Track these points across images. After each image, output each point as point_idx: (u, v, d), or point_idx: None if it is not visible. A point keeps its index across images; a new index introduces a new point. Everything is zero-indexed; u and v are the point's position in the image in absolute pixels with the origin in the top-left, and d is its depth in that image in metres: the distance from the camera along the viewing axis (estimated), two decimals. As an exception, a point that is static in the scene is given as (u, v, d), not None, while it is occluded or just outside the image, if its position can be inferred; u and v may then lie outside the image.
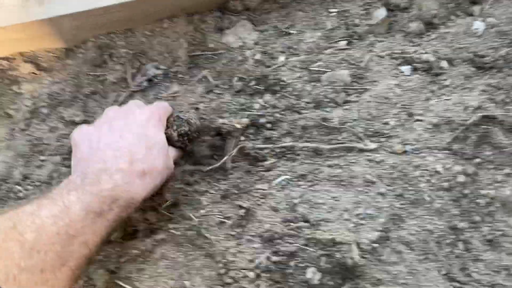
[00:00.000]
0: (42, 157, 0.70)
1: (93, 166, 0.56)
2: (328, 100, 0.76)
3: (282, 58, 0.81)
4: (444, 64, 0.82)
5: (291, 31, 0.83)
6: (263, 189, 0.66)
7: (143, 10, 0.79)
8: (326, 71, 0.78)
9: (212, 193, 0.66)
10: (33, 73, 0.79)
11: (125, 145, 0.58)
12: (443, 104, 0.76)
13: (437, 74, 0.81)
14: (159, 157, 0.60)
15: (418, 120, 0.73)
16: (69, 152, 0.71)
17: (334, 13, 0.84)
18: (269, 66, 0.81)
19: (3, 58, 0.79)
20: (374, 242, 0.60)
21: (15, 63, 0.79)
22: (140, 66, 0.82)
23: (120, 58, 0.81)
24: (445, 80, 0.81)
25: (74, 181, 0.55)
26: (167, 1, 0.79)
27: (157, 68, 0.81)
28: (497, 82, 0.82)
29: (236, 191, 0.66)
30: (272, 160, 0.71)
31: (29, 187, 0.67)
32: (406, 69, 0.82)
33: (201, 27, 0.84)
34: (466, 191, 0.66)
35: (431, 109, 0.75)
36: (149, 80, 0.81)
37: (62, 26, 0.76)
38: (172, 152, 0.66)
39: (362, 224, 0.62)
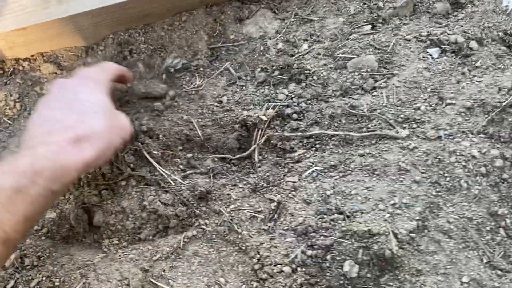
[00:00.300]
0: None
1: (25, 141, 0.54)
2: (355, 87, 0.74)
3: (305, 46, 0.79)
4: (474, 44, 0.79)
5: (313, 18, 0.81)
6: (294, 181, 0.64)
7: (160, 4, 0.78)
8: (352, 57, 0.75)
9: (241, 187, 0.65)
10: (55, 72, 0.78)
11: (54, 116, 0.55)
12: (475, 86, 0.73)
13: (466, 56, 0.78)
14: (97, 119, 0.56)
15: (450, 104, 0.71)
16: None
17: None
18: (292, 55, 0.79)
19: (24, 60, 0.78)
20: (411, 231, 0.58)
21: (36, 64, 0.78)
22: (161, 60, 0.80)
23: (140, 54, 0.80)
24: (475, 61, 0.78)
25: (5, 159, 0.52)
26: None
27: (178, 62, 0.80)
28: (530, 60, 0.79)
29: (265, 184, 0.65)
30: (301, 151, 0.69)
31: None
32: (434, 51, 0.79)
33: (220, 18, 0.82)
34: (505, 176, 0.64)
35: (463, 92, 0.72)
36: (169, 73, 0.79)
37: (81, 24, 0.75)
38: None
39: (398, 214, 0.60)
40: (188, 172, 0.68)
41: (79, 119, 0.55)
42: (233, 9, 0.83)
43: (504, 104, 0.69)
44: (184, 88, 0.79)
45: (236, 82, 0.79)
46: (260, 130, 0.71)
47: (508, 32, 0.83)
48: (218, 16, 0.82)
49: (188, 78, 0.80)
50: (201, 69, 0.81)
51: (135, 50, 0.80)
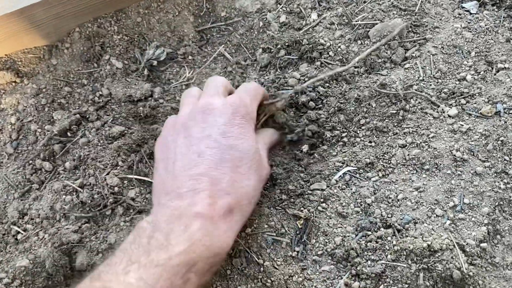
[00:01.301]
0: (40, 187, 0.56)
1: (165, 206, 0.43)
2: (382, 60, 0.60)
3: (314, 16, 0.65)
4: (519, -7, 0.65)
5: (320, -20, 0.66)
6: (322, 189, 0.50)
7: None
8: (374, 24, 0.61)
9: (257, 204, 0.52)
10: (13, 81, 0.64)
11: (204, 170, 0.44)
12: (531, 43, 0.59)
13: (511, 7, 0.64)
14: (249, 175, 0.45)
15: (502, 68, 0.57)
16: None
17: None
18: (299, 29, 0.65)
19: (-25, 68, 0.65)
20: (481, 241, 0.45)
21: (-11, 73, 0.64)
22: (140, 52, 0.66)
23: (114, 48, 0.65)
24: (524, 12, 0.63)
25: (143, 233, 0.41)
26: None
27: (161, 52, 0.66)
28: None
29: (286, 197, 0.51)
30: (325, 147, 0.55)
31: (28, 226, 0.54)
32: (471, 5, 0.64)
33: (206, -7, 0.68)
34: None
35: (517, 52, 0.58)
36: (152, 66, 0.65)
37: (38, 18, 0.61)
38: (266, 145, 0.52)
39: (461, 219, 0.46)
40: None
41: (231, 178, 0.44)
42: (219, -21, 0.68)
43: None
44: (172, 83, 0.65)
45: (234, 69, 0.65)
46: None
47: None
48: (204, -9, 0.68)
49: (175, 70, 0.66)
50: (190, 57, 0.67)
51: (108, 44, 0.66)
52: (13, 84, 0.65)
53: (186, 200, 0.42)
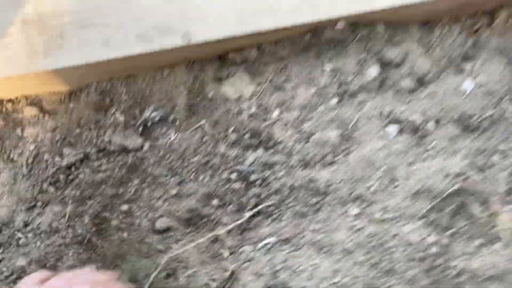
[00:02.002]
0: (43, 205, 0.74)
1: None
2: (316, 160, 0.80)
3: (275, 114, 0.85)
4: (431, 125, 0.86)
5: (286, 86, 0.87)
6: (249, 251, 0.70)
7: (144, 61, 0.82)
8: (316, 132, 0.82)
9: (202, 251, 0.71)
10: (37, 116, 0.82)
11: None
12: (425, 170, 0.80)
13: (423, 136, 0.85)
14: None
15: (399, 185, 0.78)
16: (73, 200, 0.76)
17: (328, 70, 0.87)
18: (264, 120, 0.84)
19: (8, 101, 0.82)
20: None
21: (19, 106, 0.82)
22: (140, 110, 0.85)
23: (120, 104, 0.84)
24: (430, 142, 0.85)
25: None
26: (171, 53, 0.82)
27: (156, 115, 0.85)
28: (481, 144, 0.87)
29: (226, 252, 0.71)
30: (259, 218, 0.75)
31: (29, 235, 0.72)
32: (393, 129, 0.85)
33: (201, 76, 0.87)
34: (438, 262, 0.71)
35: (413, 174, 0.79)
36: (146, 125, 0.84)
37: (66, 75, 0.80)
38: None
39: (338, 294, 0.67)
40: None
41: None
42: (213, 68, 0.88)
43: (447, 193, 0.76)
44: (159, 141, 0.84)
45: (209, 139, 0.84)
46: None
47: (465, 113, 0.90)
48: (199, 74, 0.87)
49: (164, 130, 0.85)
50: (177, 123, 0.86)
51: (116, 100, 0.85)
52: (37, 118, 0.82)
53: None
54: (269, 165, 0.79)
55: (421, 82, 0.94)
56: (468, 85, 0.95)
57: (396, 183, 0.78)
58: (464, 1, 0.95)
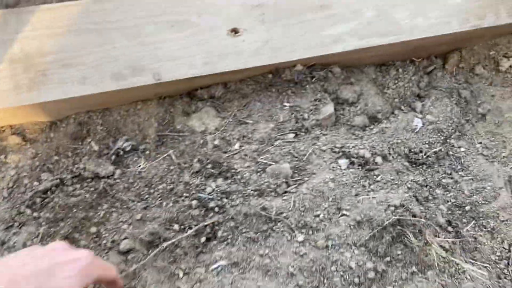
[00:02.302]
0: (19, 225, 0.82)
1: None
2: (270, 190, 0.88)
3: (237, 146, 0.93)
4: (379, 159, 0.94)
5: (248, 121, 0.95)
6: (201, 273, 0.78)
7: (119, 96, 0.91)
8: (271, 164, 0.90)
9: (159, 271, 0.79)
10: (20, 144, 0.91)
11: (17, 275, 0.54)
12: (368, 202, 0.88)
13: (370, 170, 0.93)
14: None
15: (344, 215, 0.86)
16: (47, 222, 0.84)
17: (287, 107, 0.96)
18: (225, 152, 0.93)
19: (-6, 130, 0.91)
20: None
21: (4, 135, 0.91)
22: (113, 141, 0.94)
23: (96, 135, 0.93)
24: (377, 175, 0.93)
25: None
26: (143, 89, 0.91)
27: (128, 145, 0.93)
28: (424, 178, 0.95)
29: (178, 272, 0.78)
30: (215, 242, 0.83)
31: (5, 252, 0.80)
32: (343, 163, 0.94)
33: (170, 110, 0.96)
34: (374, 287, 0.79)
35: (358, 205, 0.87)
36: (118, 154, 0.92)
37: (48, 108, 0.88)
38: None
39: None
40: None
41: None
42: (182, 103, 0.97)
43: (386, 223, 0.84)
44: (130, 168, 0.92)
45: (175, 168, 0.92)
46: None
47: (413, 149, 0.99)
48: (169, 108, 0.96)
49: (135, 159, 0.93)
50: (147, 152, 0.94)
51: (92, 131, 0.93)
52: (19, 145, 0.91)
53: None
54: (227, 194, 0.87)
55: (374, 119, 1.02)
56: (418, 122, 1.04)
57: (342, 213, 0.86)
58: (418, 44, 1.04)
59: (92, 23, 0.92)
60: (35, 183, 0.87)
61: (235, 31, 0.96)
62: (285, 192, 0.88)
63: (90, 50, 0.90)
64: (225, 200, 0.87)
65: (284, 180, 0.89)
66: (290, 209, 0.85)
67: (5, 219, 0.84)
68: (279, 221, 0.84)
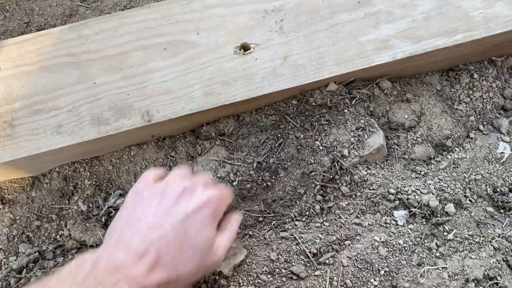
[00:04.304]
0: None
1: (111, 250, 0.50)
2: (299, 261, 0.66)
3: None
4: (451, 207, 0.68)
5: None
6: None
7: (105, 143, 0.73)
8: (298, 225, 0.67)
9: None
10: (-4, 207, 0.76)
11: (157, 239, 0.51)
12: (436, 275, 0.62)
13: (439, 224, 0.67)
14: (191, 261, 0.52)
15: (402, 296, 0.61)
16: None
17: (320, 147, 0.72)
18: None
19: (-32, 191, 0.77)
20: None
21: (-21, 197, 0.77)
22: (103, 198, 0.76)
23: (84, 190, 0.76)
24: (448, 231, 0.67)
25: (83, 268, 0.49)
26: (133, 133, 0.72)
27: (122, 201, 0.75)
28: (519, 231, 0.67)
29: None
30: None
31: None
32: (400, 216, 0.69)
33: (171, 154, 0.77)
34: None
35: (420, 281, 0.62)
36: (110, 214, 0.75)
37: (21, 165, 0.72)
38: (222, 242, 0.57)
39: None
40: None
41: (175, 258, 0.51)
42: (185, 144, 0.77)
43: (464, 311, 0.59)
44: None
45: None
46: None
47: (499, 188, 0.71)
48: (169, 151, 0.77)
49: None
50: (147, 209, 0.76)
51: (79, 186, 0.76)
52: (-4, 209, 0.76)
53: (129, 258, 0.49)
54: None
55: (441, 148, 0.76)
56: (505, 147, 0.76)
57: (398, 293, 0.61)
58: (498, 41, 0.76)
59: (68, 55, 0.75)
60: (11, 257, 0.72)
61: (244, 47, 0.74)
62: (319, 263, 0.65)
63: (66, 90, 0.73)
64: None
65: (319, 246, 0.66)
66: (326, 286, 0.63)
67: (-24, 307, 0.69)
68: (309, 308, 0.62)
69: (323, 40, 0.73)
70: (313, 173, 0.71)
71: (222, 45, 0.74)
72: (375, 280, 0.63)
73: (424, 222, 0.68)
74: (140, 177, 0.61)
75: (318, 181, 0.70)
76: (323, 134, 0.73)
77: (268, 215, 0.70)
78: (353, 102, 0.75)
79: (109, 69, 0.73)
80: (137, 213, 0.55)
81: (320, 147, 0.72)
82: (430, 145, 0.75)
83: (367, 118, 0.74)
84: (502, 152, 0.75)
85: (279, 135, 0.74)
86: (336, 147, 0.72)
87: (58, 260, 0.71)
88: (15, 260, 0.71)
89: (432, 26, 0.73)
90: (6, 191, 0.77)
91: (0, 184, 0.77)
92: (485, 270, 0.62)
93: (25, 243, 0.73)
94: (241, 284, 0.64)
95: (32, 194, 0.77)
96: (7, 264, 0.72)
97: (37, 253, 0.72)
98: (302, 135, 0.74)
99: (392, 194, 0.70)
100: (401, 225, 0.68)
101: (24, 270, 0.70)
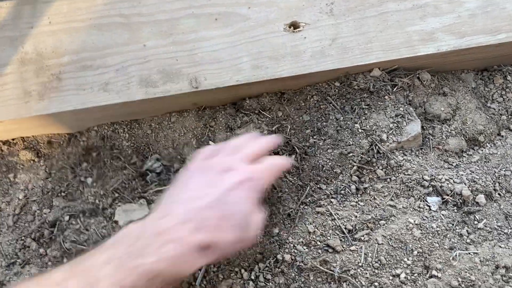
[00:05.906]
0: (23, 264, 0.68)
1: (156, 223, 0.52)
2: (336, 234, 0.67)
3: (291, 174, 0.73)
4: (481, 198, 0.70)
5: (305, 145, 0.75)
6: None
7: (150, 107, 0.74)
8: (336, 201, 0.69)
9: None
10: (32, 160, 0.76)
11: (197, 208, 0.53)
12: (468, 259, 0.64)
13: (470, 212, 0.69)
14: (230, 231, 0.53)
15: (434, 276, 0.63)
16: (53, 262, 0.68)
17: (360, 130, 0.74)
18: (277, 180, 0.73)
19: (4, 142, 0.77)
20: None
21: (15, 148, 0.76)
22: (143, 159, 0.77)
23: (122, 151, 0.76)
24: (479, 220, 0.69)
25: (130, 234, 0.51)
26: (178, 99, 0.73)
27: (159, 166, 0.76)
28: (546, 225, 0.70)
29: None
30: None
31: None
32: (434, 202, 0.71)
33: (211, 124, 0.78)
34: None
35: (453, 264, 0.64)
36: (144, 175, 0.75)
37: (63, 119, 0.73)
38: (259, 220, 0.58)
39: None
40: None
41: (218, 223, 0.53)
42: (225, 116, 0.78)
43: (495, 293, 0.61)
44: (151, 189, 0.75)
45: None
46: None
47: (529, 184, 0.74)
48: (209, 121, 0.78)
49: (164, 180, 0.76)
50: (181, 175, 0.76)
51: (117, 146, 0.77)
52: (31, 162, 0.76)
53: (173, 224, 0.51)
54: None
55: (474, 142, 0.78)
56: (535, 146, 0.78)
57: (431, 273, 0.63)
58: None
59: (119, 16, 0.75)
60: (45, 210, 0.72)
61: (294, 25, 0.76)
62: (354, 239, 0.67)
63: (115, 50, 0.73)
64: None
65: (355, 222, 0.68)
66: (360, 264, 0.64)
67: (8, 254, 0.69)
68: (344, 281, 0.63)
69: (371, 26, 0.75)
70: (351, 154, 0.72)
71: (272, 21, 0.75)
72: (408, 260, 0.65)
73: (456, 210, 0.70)
74: (192, 156, 0.63)
75: (355, 162, 0.72)
76: (363, 117, 0.75)
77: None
78: (394, 90, 0.76)
79: (160, 33, 0.74)
80: (181, 188, 0.57)
81: (360, 130, 0.74)
82: (463, 138, 0.77)
83: (406, 106, 0.76)
84: (533, 150, 0.77)
85: (320, 116, 0.76)
86: (375, 131, 0.74)
87: (91, 220, 0.71)
88: (49, 213, 0.72)
89: (476, 23, 0.75)
90: (42, 145, 0.78)
91: (37, 138, 0.78)
92: (514, 259, 0.65)
93: (60, 197, 0.74)
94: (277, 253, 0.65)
95: (68, 150, 0.77)
96: (41, 216, 0.72)
97: (69, 207, 0.72)
98: (342, 117, 0.75)
99: (427, 181, 0.71)
100: (434, 210, 0.70)
101: (57, 223, 0.71)
